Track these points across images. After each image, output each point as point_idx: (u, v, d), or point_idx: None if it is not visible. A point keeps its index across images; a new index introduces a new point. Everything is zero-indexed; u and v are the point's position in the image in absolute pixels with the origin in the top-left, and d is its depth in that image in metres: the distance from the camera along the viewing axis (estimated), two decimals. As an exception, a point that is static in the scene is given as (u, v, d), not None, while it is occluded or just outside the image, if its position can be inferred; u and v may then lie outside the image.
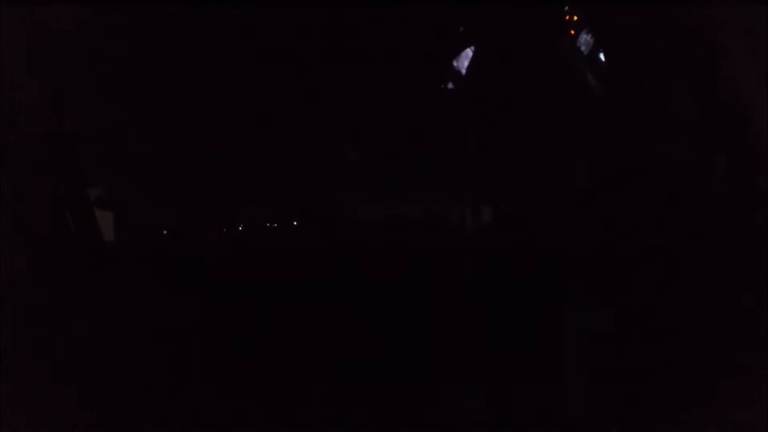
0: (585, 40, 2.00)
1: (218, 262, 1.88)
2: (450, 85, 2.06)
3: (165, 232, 1.99)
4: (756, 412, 1.41)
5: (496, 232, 1.96)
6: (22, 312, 1.55)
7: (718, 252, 1.63)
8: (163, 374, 1.59)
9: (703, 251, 1.66)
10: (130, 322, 1.67)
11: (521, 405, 1.49)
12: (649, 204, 1.81)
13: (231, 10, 1.77)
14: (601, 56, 1.99)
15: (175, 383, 1.58)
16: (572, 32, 2.01)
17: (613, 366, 1.54)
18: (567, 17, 2.01)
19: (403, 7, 1.85)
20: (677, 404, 1.45)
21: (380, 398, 1.53)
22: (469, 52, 2.04)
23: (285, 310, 1.71)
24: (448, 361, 1.59)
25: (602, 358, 1.55)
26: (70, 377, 1.55)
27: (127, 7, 1.72)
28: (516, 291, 1.70)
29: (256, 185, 2.00)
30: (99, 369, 1.57)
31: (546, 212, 1.99)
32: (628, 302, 1.62)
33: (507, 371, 1.57)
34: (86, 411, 1.50)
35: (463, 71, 2.03)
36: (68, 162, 1.80)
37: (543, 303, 1.66)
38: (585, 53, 2.00)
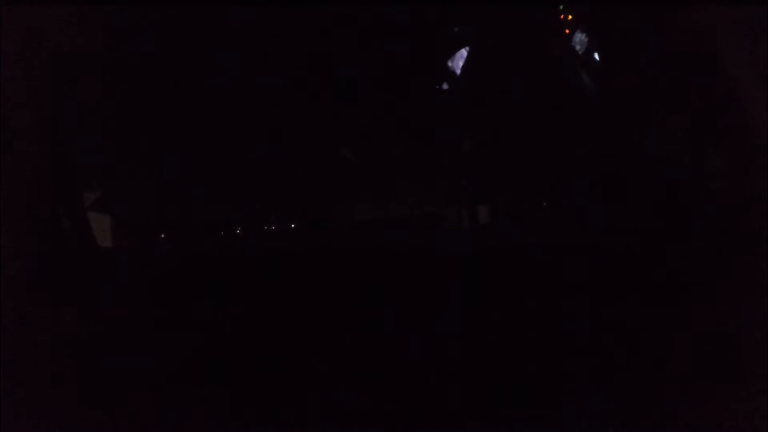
0: (584, 40, 2.00)
1: (216, 263, 1.88)
2: (447, 85, 2.06)
3: (163, 235, 1.99)
4: (756, 412, 1.41)
5: (494, 231, 1.96)
6: (22, 313, 1.55)
7: (717, 252, 1.63)
8: (163, 375, 1.59)
9: (702, 251, 1.66)
10: (130, 322, 1.67)
11: (520, 404, 1.49)
12: (648, 203, 1.81)
13: (228, 11, 1.77)
14: (600, 56, 1.99)
15: (175, 384, 1.58)
16: (570, 32, 2.01)
17: (612, 365, 1.54)
18: (564, 17, 2.02)
19: (400, 8, 1.85)
20: (677, 404, 1.45)
21: (379, 398, 1.53)
22: (466, 53, 2.04)
23: (283, 311, 1.71)
24: (445, 360, 1.59)
25: (600, 357, 1.55)
26: (71, 378, 1.55)
27: (125, 7, 1.72)
28: (513, 289, 1.70)
29: (254, 187, 2.00)
30: (99, 370, 1.57)
31: (544, 211, 1.99)
32: (626, 302, 1.62)
33: (505, 371, 1.57)
34: (86, 411, 1.50)
35: (462, 71, 2.04)
36: (68, 164, 1.80)
37: (540, 302, 1.66)
38: (583, 53, 2.00)
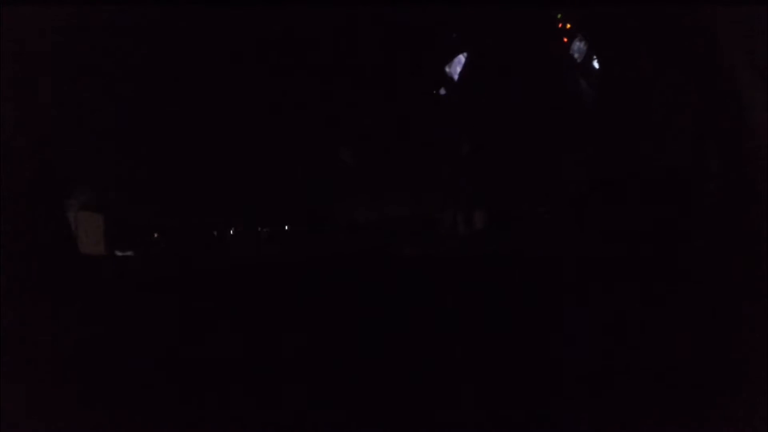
0: (581, 42, 2.00)
1: (215, 263, 1.88)
2: (446, 89, 2.06)
3: (161, 236, 1.99)
4: (756, 412, 1.41)
5: (493, 236, 1.96)
6: (22, 313, 1.55)
7: (717, 252, 1.63)
8: (163, 375, 1.59)
9: (702, 251, 1.66)
10: (130, 323, 1.67)
11: (519, 407, 1.49)
12: (648, 204, 1.81)
13: (226, 11, 1.77)
14: (598, 58, 1.99)
15: (175, 384, 1.58)
16: (568, 35, 2.01)
17: (612, 365, 1.54)
18: (562, 20, 2.01)
19: (398, 10, 1.85)
20: (677, 404, 1.45)
21: (376, 401, 1.53)
22: (463, 57, 2.03)
23: (280, 313, 1.71)
24: (445, 363, 1.60)
25: (600, 357, 1.55)
26: (71, 378, 1.55)
27: (125, 7, 1.72)
28: (511, 294, 1.70)
29: (251, 188, 2.00)
30: (99, 370, 1.58)
31: (543, 215, 1.99)
32: (626, 302, 1.62)
33: (504, 373, 1.57)
34: (86, 411, 1.50)
35: (461, 75, 2.03)
36: (67, 164, 1.80)
37: (539, 306, 1.66)
38: (581, 56, 2.00)
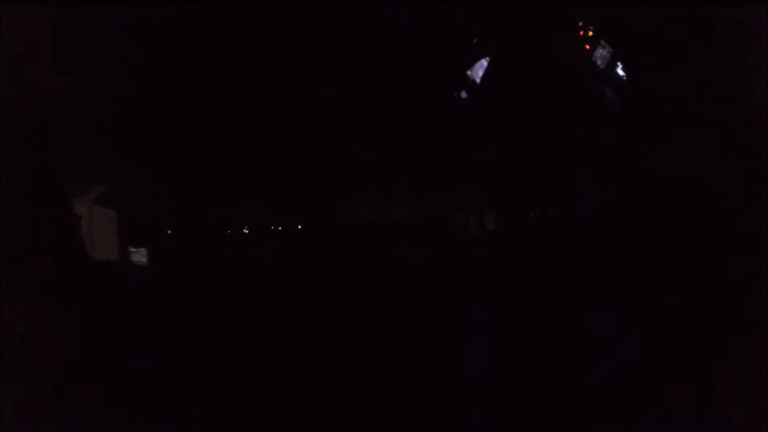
0: (596, 51, 1.99)
1: (216, 264, 1.88)
2: (459, 92, 2.06)
3: (162, 236, 1.99)
4: (756, 412, 1.41)
5: (497, 240, 1.96)
6: (22, 313, 1.55)
7: (717, 252, 1.63)
8: (163, 375, 1.59)
9: (702, 251, 1.66)
10: (130, 323, 1.68)
11: (520, 407, 1.50)
12: (648, 207, 1.81)
13: (233, 9, 1.77)
14: (600, 64, 1.99)
15: (175, 384, 1.58)
16: (587, 42, 2.01)
17: (613, 366, 1.54)
18: (578, 27, 2.01)
19: (410, 11, 1.84)
20: (677, 404, 1.46)
21: (379, 404, 1.54)
22: (482, 60, 2.03)
23: (280, 312, 1.71)
24: (444, 363, 1.60)
25: (600, 358, 1.56)
26: (70, 378, 1.55)
27: (126, 7, 1.72)
28: (512, 294, 1.70)
29: (258, 188, 2.00)
30: (99, 370, 1.58)
31: (545, 219, 1.99)
32: (626, 303, 1.62)
33: (504, 373, 1.57)
34: (86, 411, 1.50)
35: (468, 80, 2.03)
36: (68, 165, 1.80)
37: (539, 307, 1.67)
38: (585, 62, 2.00)
